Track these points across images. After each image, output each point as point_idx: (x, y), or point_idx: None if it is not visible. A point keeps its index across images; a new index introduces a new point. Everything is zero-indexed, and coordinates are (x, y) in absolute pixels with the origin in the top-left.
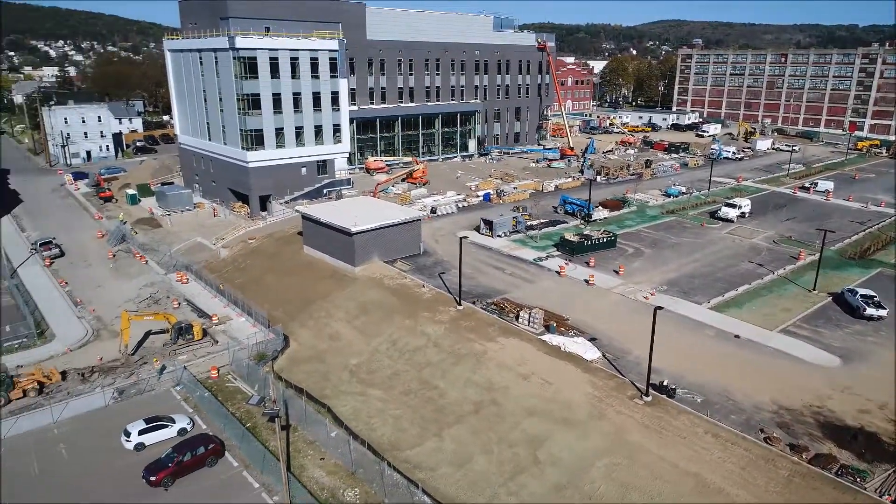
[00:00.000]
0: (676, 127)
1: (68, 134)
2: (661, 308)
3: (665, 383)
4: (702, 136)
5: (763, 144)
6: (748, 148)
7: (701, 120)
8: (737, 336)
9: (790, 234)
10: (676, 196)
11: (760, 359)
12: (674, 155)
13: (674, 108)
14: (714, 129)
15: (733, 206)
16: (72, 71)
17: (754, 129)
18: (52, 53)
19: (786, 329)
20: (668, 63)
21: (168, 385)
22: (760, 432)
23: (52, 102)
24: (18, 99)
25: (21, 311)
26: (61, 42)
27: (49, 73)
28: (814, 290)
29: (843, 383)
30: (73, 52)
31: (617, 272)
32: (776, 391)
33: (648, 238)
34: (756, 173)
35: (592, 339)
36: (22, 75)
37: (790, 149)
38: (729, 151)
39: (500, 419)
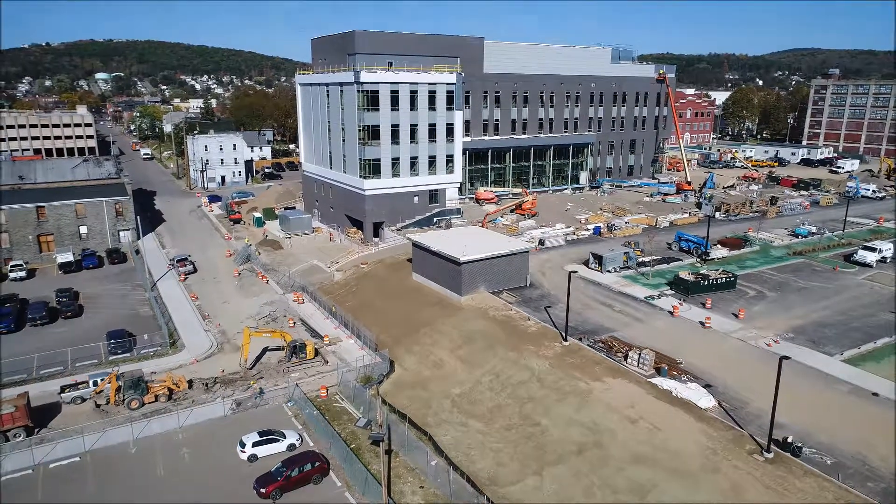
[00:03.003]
0: (807, 162)
1: (207, 160)
2: (787, 357)
3: (789, 440)
4: (836, 173)
5: None
6: (891, 186)
7: (835, 155)
8: (875, 394)
9: None
10: (805, 236)
11: None
12: (803, 192)
13: (804, 142)
14: (851, 164)
15: (872, 249)
16: (213, 103)
17: None
18: (198, 87)
19: None
20: (799, 94)
21: (281, 401)
22: None
23: (195, 131)
24: (167, 128)
25: (158, 321)
26: (206, 76)
27: (194, 104)
28: None
29: None
30: (214, 86)
31: (736, 316)
32: None
33: (772, 280)
34: None
35: (707, 386)
36: (171, 107)
37: None
38: (868, 189)
39: (603, 463)
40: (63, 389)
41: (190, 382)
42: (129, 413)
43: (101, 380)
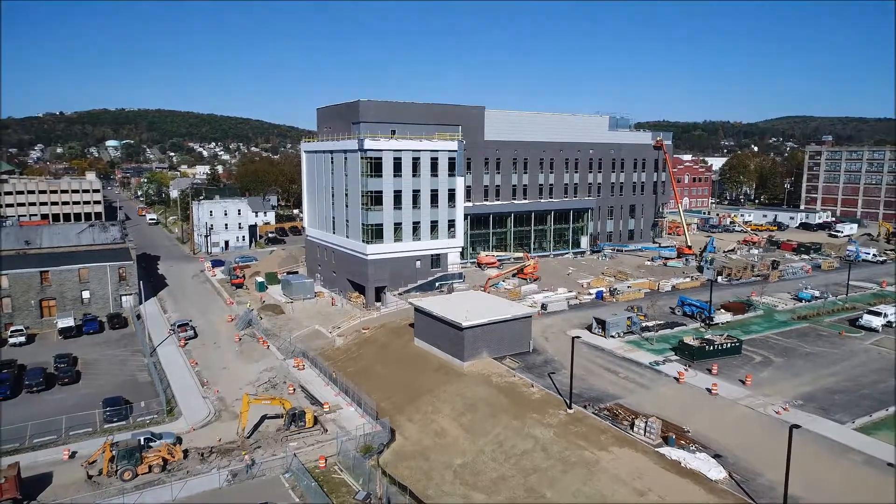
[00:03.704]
0: (806, 226)
1: (212, 225)
2: (797, 426)
3: None
4: (835, 237)
5: None
6: (891, 250)
7: (834, 219)
8: (891, 465)
9: None
10: (809, 300)
11: None
12: (804, 256)
13: (802, 207)
14: (849, 228)
15: (877, 313)
16: (220, 169)
17: None
18: (205, 153)
19: None
20: (794, 160)
21: (278, 471)
22: None
23: (201, 197)
24: (174, 194)
25: (155, 388)
26: (213, 143)
27: (201, 170)
28: None
29: None
30: (222, 152)
31: (743, 382)
32: None
33: (778, 345)
34: None
35: (717, 456)
36: (178, 173)
37: None
38: (868, 253)
39: None
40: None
41: (185, 452)
42: (121, 485)
43: (147, 439)
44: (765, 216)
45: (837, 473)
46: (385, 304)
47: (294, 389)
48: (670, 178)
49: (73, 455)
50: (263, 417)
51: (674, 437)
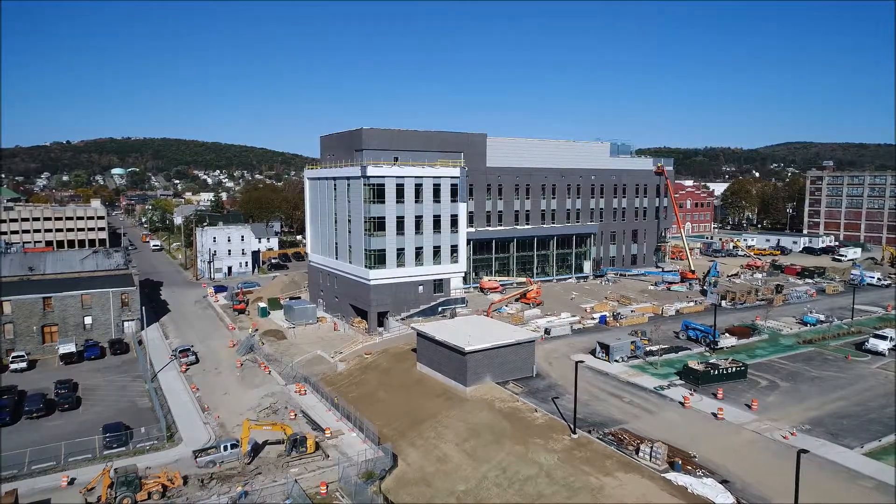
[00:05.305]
0: (809, 250)
1: (215, 251)
2: (805, 451)
3: None
4: (839, 261)
5: None
6: (895, 274)
7: (837, 243)
8: None
9: None
10: (814, 324)
11: None
12: (808, 280)
13: (805, 231)
14: (853, 253)
15: (884, 337)
16: (224, 196)
17: None
18: (209, 181)
19: None
20: (796, 185)
21: (279, 498)
22: None
23: (204, 224)
24: (178, 220)
25: (156, 413)
26: (218, 171)
27: (205, 197)
28: None
29: None
30: (226, 180)
31: (749, 406)
32: None
33: (784, 370)
34: None
35: (724, 482)
36: (183, 200)
37: None
38: (873, 277)
39: None
40: (196, 455)
41: (185, 478)
42: None
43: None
44: (768, 240)
45: (847, 499)
46: (387, 330)
47: (295, 415)
48: (672, 203)
49: (71, 482)
50: (265, 443)
51: (680, 462)
